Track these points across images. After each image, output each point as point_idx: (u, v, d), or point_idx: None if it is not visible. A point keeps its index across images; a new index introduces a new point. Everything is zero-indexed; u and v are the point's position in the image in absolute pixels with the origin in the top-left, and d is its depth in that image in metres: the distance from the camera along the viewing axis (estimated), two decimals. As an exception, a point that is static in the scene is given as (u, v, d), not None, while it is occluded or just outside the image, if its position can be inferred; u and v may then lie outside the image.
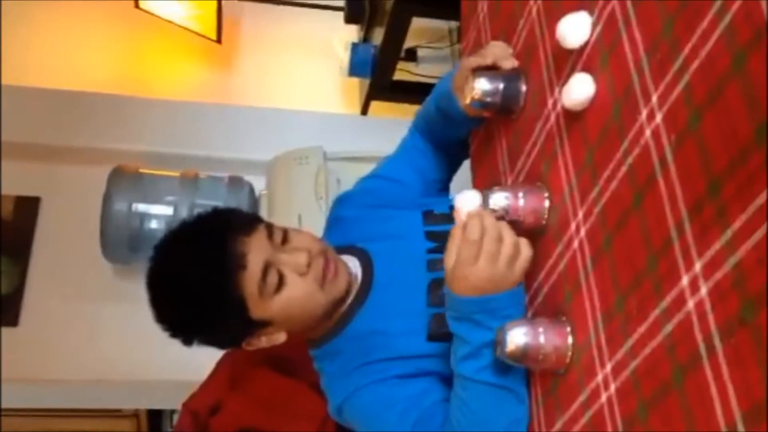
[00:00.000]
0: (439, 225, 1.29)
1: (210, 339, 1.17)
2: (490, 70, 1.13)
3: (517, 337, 0.93)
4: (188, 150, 2.66)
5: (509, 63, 1.13)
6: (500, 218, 1.00)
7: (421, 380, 1.12)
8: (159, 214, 2.38)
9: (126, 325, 2.35)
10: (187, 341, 1.14)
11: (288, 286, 1.10)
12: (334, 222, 1.38)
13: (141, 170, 2.43)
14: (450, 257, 0.98)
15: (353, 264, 1.24)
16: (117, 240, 2.35)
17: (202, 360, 1.50)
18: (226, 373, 1.57)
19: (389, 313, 1.19)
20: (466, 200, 1.01)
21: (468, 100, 1.10)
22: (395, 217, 1.31)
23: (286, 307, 1.10)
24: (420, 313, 1.18)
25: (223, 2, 2.94)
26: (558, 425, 0.94)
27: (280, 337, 1.16)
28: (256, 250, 1.08)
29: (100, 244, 2.35)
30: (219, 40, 3.02)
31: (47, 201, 2.61)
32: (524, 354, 0.93)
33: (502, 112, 1.14)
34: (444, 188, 1.45)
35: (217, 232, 1.10)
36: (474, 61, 1.14)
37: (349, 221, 1.34)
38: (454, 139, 1.36)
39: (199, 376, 1.59)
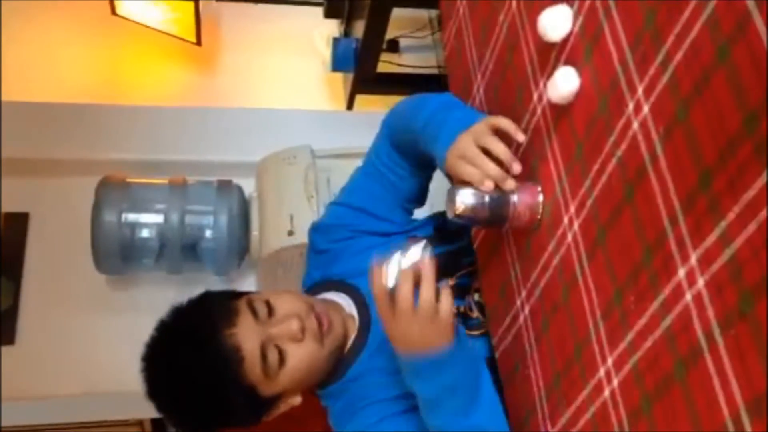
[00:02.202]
0: None
1: (230, 426, 1.16)
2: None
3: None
4: (175, 156, 2.63)
5: (509, 185, 1.01)
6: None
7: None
8: (149, 222, 2.36)
9: (124, 335, 2.33)
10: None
11: (290, 357, 1.08)
12: (314, 251, 1.35)
13: (129, 179, 2.41)
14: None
15: (347, 303, 1.23)
16: (109, 251, 2.33)
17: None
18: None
19: (388, 349, 1.17)
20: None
21: (451, 215, 1.03)
22: (380, 247, 1.28)
23: (293, 376, 1.09)
24: None
25: (200, 4, 2.91)
26: (563, 420, 0.94)
27: (296, 400, 1.15)
28: (247, 337, 1.06)
29: (92, 255, 2.33)
30: (199, 43, 3.00)
31: (36, 216, 2.59)
32: (524, 351, 0.93)
33: (491, 225, 1.07)
34: (418, 203, 1.38)
35: (203, 332, 1.07)
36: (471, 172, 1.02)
37: (332, 253, 1.31)
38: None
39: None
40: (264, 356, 1.06)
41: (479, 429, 1.00)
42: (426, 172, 1.32)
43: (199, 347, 1.06)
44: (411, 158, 1.28)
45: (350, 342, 1.19)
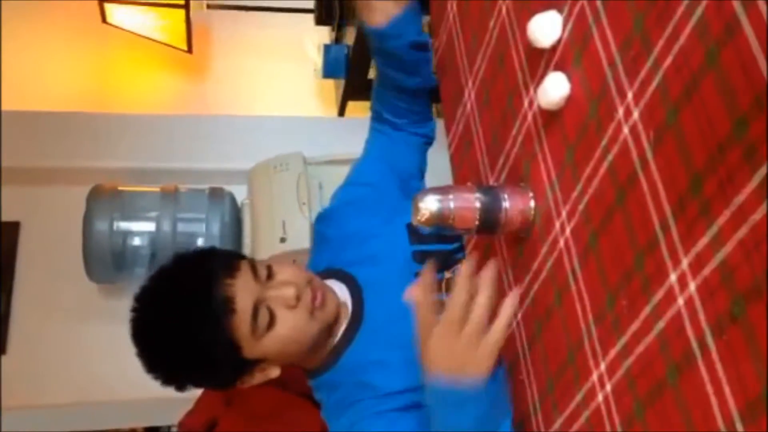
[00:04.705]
0: (425, 244, 1.28)
1: (204, 384, 1.17)
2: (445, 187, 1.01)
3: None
4: (166, 163, 2.63)
5: None
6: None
7: (415, 416, 1.10)
8: (141, 230, 2.36)
9: (116, 344, 2.31)
10: (180, 388, 1.13)
11: (279, 322, 1.08)
12: (320, 240, 1.37)
13: (120, 187, 2.41)
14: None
15: (341, 291, 1.23)
16: (100, 259, 2.33)
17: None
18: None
19: (383, 342, 1.17)
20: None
21: (416, 223, 0.99)
22: (379, 235, 1.29)
23: (279, 342, 1.09)
24: (413, 340, 1.17)
25: (191, 11, 2.91)
26: (556, 425, 0.94)
27: (274, 372, 1.14)
28: (243, 292, 1.06)
29: (84, 264, 2.32)
30: (190, 50, 2.99)
31: (27, 225, 2.58)
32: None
33: (483, 232, 1.01)
34: (420, 176, 1.43)
35: (201, 278, 1.07)
36: None
37: (334, 241, 1.33)
38: (409, 105, 1.37)
39: (193, 392, 1.58)
40: (255, 315, 1.06)
41: None
42: (410, 132, 1.39)
43: (194, 290, 1.06)
44: (394, 116, 1.38)
45: (341, 330, 1.19)
